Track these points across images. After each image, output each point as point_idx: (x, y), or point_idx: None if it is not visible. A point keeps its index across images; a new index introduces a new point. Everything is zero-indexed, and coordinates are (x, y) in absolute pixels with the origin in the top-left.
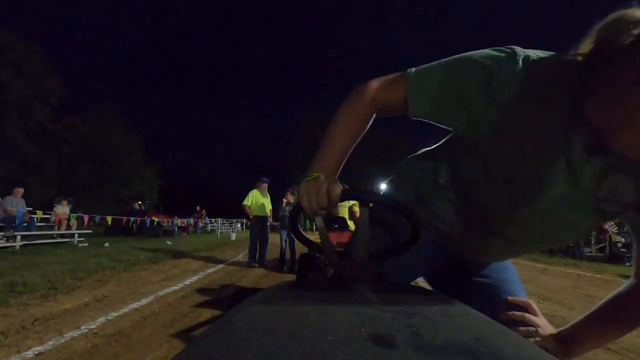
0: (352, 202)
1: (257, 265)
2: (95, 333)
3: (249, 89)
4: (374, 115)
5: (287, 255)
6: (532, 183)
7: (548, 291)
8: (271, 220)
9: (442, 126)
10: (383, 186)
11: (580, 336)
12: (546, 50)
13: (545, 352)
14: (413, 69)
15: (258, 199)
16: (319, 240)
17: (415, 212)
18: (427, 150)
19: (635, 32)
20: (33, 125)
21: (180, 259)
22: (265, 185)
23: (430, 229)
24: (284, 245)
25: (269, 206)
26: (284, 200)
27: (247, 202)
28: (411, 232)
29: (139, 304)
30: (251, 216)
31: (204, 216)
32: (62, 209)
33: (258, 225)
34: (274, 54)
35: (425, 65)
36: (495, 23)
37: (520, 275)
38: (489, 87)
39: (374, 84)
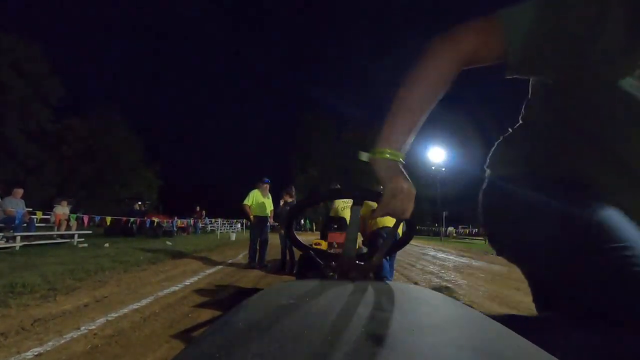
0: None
1: (257, 266)
2: (95, 334)
3: (249, 88)
4: (459, 70)
5: (287, 257)
6: None
7: None
8: (271, 220)
9: (540, 68)
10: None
11: None
12: None
13: (546, 352)
14: (502, 9)
15: (258, 199)
16: (317, 240)
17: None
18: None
19: None
20: (33, 126)
21: (180, 260)
22: (267, 186)
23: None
24: (283, 245)
25: (269, 206)
26: (282, 202)
27: (248, 201)
28: (407, 228)
29: (139, 304)
30: (251, 216)
31: (203, 216)
32: (62, 210)
33: (258, 226)
34: (274, 54)
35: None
36: None
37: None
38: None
39: (458, 30)
